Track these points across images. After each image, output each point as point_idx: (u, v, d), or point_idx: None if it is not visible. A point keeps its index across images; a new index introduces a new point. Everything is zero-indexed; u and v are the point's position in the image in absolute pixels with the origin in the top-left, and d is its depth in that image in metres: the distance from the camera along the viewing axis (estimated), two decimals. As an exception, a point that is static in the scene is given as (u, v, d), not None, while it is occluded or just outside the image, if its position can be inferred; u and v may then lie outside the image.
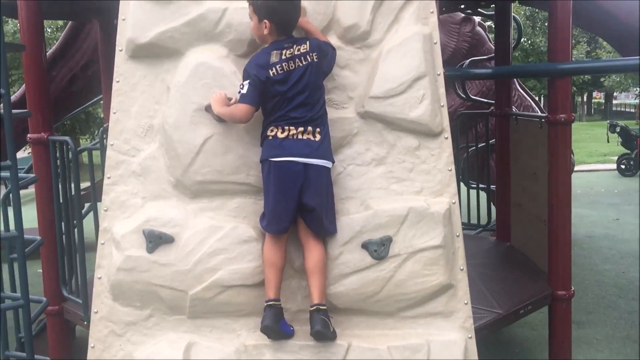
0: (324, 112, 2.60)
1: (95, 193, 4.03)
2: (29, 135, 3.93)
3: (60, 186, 3.88)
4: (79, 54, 6.43)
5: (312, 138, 2.52)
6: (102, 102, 11.59)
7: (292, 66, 2.51)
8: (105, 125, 5.39)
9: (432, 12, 2.79)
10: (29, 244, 3.32)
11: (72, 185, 3.84)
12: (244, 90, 2.51)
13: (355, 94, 2.74)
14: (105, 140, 4.93)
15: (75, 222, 3.97)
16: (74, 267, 3.95)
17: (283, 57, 2.51)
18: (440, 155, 2.74)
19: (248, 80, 2.51)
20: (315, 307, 2.50)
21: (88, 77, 6.56)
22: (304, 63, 2.52)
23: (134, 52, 2.73)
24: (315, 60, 2.55)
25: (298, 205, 2.53)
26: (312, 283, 2.52)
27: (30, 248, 3.26)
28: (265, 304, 2.52)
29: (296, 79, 2.51)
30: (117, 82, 2.75)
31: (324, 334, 2.49)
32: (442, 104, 2.75)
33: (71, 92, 6.57)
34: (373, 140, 2.74)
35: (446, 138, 2.76)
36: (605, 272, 6.58)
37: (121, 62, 2.76)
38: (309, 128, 2.52)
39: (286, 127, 2.50)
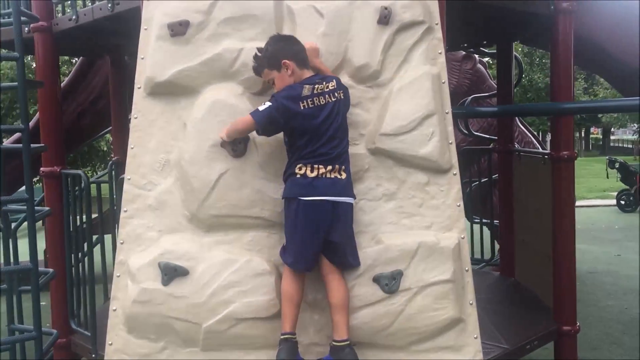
0: (348, 149, 2.67)
1: (104, 225, 4.09)
2: (41, 168, 4.00)
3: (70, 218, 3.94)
4: (88, 89, 6.55)
5: (338, 176, 2.57)
6: (105, 135, 11.72)
7: (322, 101, 2.57)
8: (114, 159, 5.51)
9: (441, 53, 2.89)
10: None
11: (84, 217, 3.90)
12: (261, 108, 2.56)
13: (367, 131, 2.82)
14: (113, 173, 5.05)
15: (85, 254, 4.01)
16: (82, 299, 3.97)
17: (315, 91, 2.57)
18: (449, 191, 2.81)
19: (271, 105, 2.55)
20: (346, 342, 2.53)
21: (96, 111, 6.66)
22: (332, 100, 2.59)
23: (152, 90, 2.82)
24: (342, 97, 2.63)
25: (325, 243, 2.58)
26: (340, 319, 2.54)
27: (44, 280, 3.29)
28: (281, 337, 2.54)
29: (326, 114, 2.56)
30: (136, 118, 2.83)
31: None
32: (450, 141, 2.83)
33: (80, 126, 6.66)
34: (384, 176, 2.81)
35: (455, 174, 2.83)
36: (609, 308, 6.59)
37: (140, 99, 2.84)
38: (336, 166, 2.57)
39: (315, 166, 2.54)
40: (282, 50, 2.62)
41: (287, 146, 2.65)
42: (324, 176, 2.54)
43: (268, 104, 2.56)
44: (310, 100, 2.56)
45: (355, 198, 2.66)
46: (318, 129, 2.55)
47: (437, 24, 2.88)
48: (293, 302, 2.56)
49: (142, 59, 2.86)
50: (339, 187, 2.56)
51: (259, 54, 2.66)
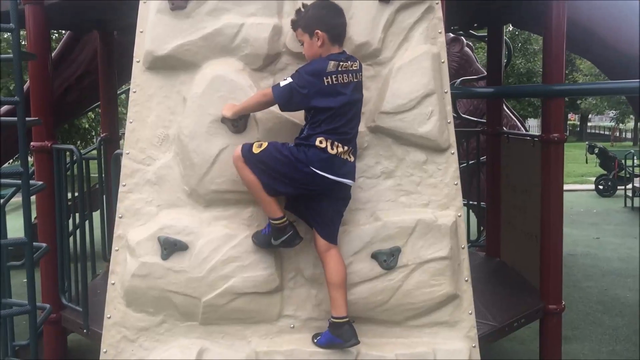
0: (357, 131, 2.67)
1: (92, 202, 4.07)
2: (32, 143, 3.95)
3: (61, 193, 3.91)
4: (74, 65, 6.44)
5: (349, 158, 2.59)
6: (87, 112, 11.55)
7: (345, 79, 2.54)
8: (103, 135, 5.45)
9: (440, 32, 2.91)
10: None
11: (75, 192, 3.87)
12: (282, 83, 2.53)
13: (366, 109, 2.83)
14: (102, 149, 5.01)
15: (75, 229, 3.99)
16: (73, 274, 3.96)
17: (340, 68, 2.54)
18: (447, 170, 2.84)
19: (292, 81, 2.52)
20: (345, 319, 2.57)
21: (83, 88, 6.56)
22: (354, 80, 2.58)
23: (152, 64, 2.79)
24: (360, 80, 2.63)
25: (311, 209, 2.61)
26: (338, 296, 2.57)
27: (38, 254, 3.27)
28: (282, 223, 2.58)
29: (349, 93, 2.54)
30: (134, 92, 2.81)
31: (356, 344, 2.58)
32: (449, 121, 2.87)
33: (65, 102, 6.54)
34: (383, 154, 2.83)
35: (452, 153, 2.87)
36: (589, 289, 6.74)
37: (138, 74, 2.82)
38: (350, 148, 2.58)
39: (336, 143, 2.52)
40: (320, 18, 2.58)
41: (307, 115, 2.60)
42: (340, 156, 2.54)
43: (289, 79, 2.53)
44: (335, 77, 2.52)
45: (354, 181, 2.67)
46: (341, 107, 2.53)
47: (437, 3, 2.89)
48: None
49: (141, 32, 2.83)
50: (348, 168, 2.58)
51: (302, 10, 2.62)
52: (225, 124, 2.71)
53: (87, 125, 15.58)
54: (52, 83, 6.40)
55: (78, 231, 4.21)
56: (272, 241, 2.59)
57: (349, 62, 2.59)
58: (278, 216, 2.57)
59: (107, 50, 5.34)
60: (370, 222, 2.76)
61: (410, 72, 2.81)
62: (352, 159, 2.60)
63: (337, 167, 2.54)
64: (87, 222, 4.24)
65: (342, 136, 2.54)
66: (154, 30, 2.78)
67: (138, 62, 2.83)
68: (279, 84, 2.56)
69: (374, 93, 2.85)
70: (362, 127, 2.83)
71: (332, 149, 2.52)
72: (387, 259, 2.69)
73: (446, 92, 2.88)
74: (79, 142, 16.57)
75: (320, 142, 2.52)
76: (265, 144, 2.57)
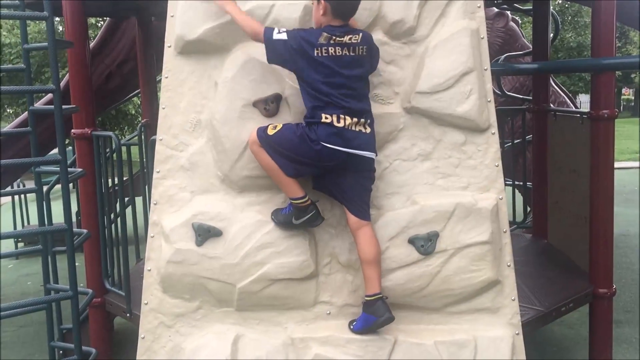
0: (370, 105, 2.60)
1: (133, 187, 4.11)
2: (73, 130, 4.00)
3: (102, 180, 3.96)
4: (115, 52, 6.51)
5: (363, 130, 2.52)
6: (134, 99, 11.75)
7: (338, 52, 2.48)
8: (143, 121, 5.51)
9: (479, 7, 2.78)
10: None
11: (115, 179, 3.91)
12: (275, 35, 2.48)
13: (401, 90, 2.75)
14: (143, 135, 5.06)
15: (117, 215, 4.04)
16: (115, 259, 4.02)
17: (331, 41, 2.48)
18: (487, 151, 2.73)
19: (287, 39, 2.48)
20: (378, 296, 2.53)
21: (124, 74, 6.64)
22: (351, 54, 2.50)
23: (183, 49, 2.76)
24: (364, 53, 2.54)
25: (334, 184, 2.58)
26: (371, 273, 2.53)
27: (79, 240, 3.33)
28: (304, 202, 2.55)
29: (340, 67, 2.47)
30: (166, 77, 2.79)
31: (391, 320, 2.53)
32: (489, 100, 2.74)
33: (107, 89, 6.65)
34: (419, 135, 2.74)
35: (493, 134, 2.75)
36: (642, 271, 6.48)
37: (170, 59, 2.80)
38: (362, 120, 2.51)
39: (342, 116, 2.47)
40: None
41: (303, 92, 2.55)
42: (350, 128, 2.48)
43: (284, 35, 2.48)
44: (325, 49, 2.47)
45: (377, 154, 2.60)
46: (332, 81, 2.47)
47: (476, -24, 2.76)
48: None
49: (172, 17, 2.80)
50: (363, 139, 2.51)
51: None
52: (257, 108, 2.67)
53: (133, 111, 15.89)
54: (93, 70, 6.56)
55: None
56: (293, 220, 2.56)
57: (345, 35, 2.50)
58: (299, 195, 2.53)
59: (145, 36, 5.37)
60: (407, 206, 2.68)
61: (447, 50, 2.70)
62: (368, 130, 2.53)
63: (349, 139, 2.47)
64: (130, 208, 4.29)
65: (345, 109, 2.47)
66: (184, 15, 2.75)
67: (169, 47, 2.81)
68: (272, 31, 2.50)
69: (409, 72, 2.75)
70: (397, 108, 2.75)
71: (339, 122, 2.47)
72: (425, 244, 2.61)
73: (486, 70, 2.75)
74: (126, 128, 16.95)
75: (326, 117, 2.47)
76: (279, 126, 2.55)
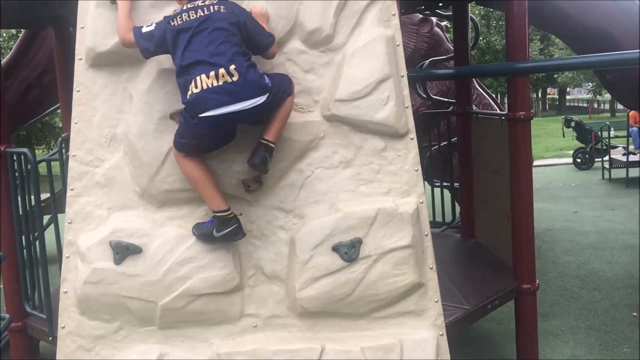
0: (242, 54, 2.42)
1: (56, 205, 3.94)
2: (-17, 148, 3.81)
3: (19, 199, 3.78)
4: (34, 63, 6.27)
5: (229, 80, 2.33)
6: (59, 111, 11.35)
7: (192, 16, 2.42)
8: (64, 135, 5.29)
9: (394, 15, 2.81)
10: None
11: (32, 197, 3.74)
12: (144, 29, 2.46)
13: (321, 98, 2.75)
14: (64, 151, 4.86)
15: (36, 235, 3.86)
16: (36, 281, 3.85)
17: (184, 7, 2.46)
18: (407, 156, 2.77)
19: (154, 29, 2.45)
20: (265, 142, 2.48)
21: (44, 86, 6.40)
22: (205, 13, 2.44)
23: (94, 61, 2.68)
24: (221, 11, 2.45)
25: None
26: (273, 124, 2.49)
27: (-9, 264, 3.16)
28: (227, 216, 2.49)
29: (196, 25, 2.39)
30: (78, 91, 2.70)
31: (259, 167, 2.49)
32: (406, 105, 2.78)
33: (26, 102, 6.39)
34: (340, 143, 2.74)
35: (412, 139, 2.79)
36: (567, 264, 6.75)
37: (81, 71, 2.70)
38: (220, 70, 2.32)
39: (198, 79, 2.32)
40: None
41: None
42: (211, 86, 2.31)
43: (152, 26, 2.46)
44: (179, 17, 2.43)
45: (261, 96, 2.38)
46: (190, 41, 2.38)
47: (389, -16, 2.80)
48: (209, 180, 2.50)
49: (82, 28, 2.71)
50: (232, 88, 2.32)
51: None
52: (174, 120, 2.61)
53: (60, 125, 15.33)
54: (10, 83, 6.28)
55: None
56: (214, 233, 2.51)
57: (198, 1, 2.47)
58: (223, 208, 2.49)
59: (64, 46, 5.18)
60: (330, 213, 2.68)
61: (364, 57, 2.72)
62: (236, 75, 2.32)
63: (216, 99, 2.31)
64: (53, 226, 4.11)
65: (203, 66, 2.33)
66: (94, 25, 2.67)
67: (80, 59, 2.72)
68: (141, 27, 2.48)
69: (328, 80, 2.75)
70: (317, 117, 2.75)
71: (197, 87, 2.32)
72: (349, 251, 2.62)
73: (403, 76, 2.79)
74: (52, 142, 16.34)
75: (190, 89, 2.34)
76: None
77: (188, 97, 2.35)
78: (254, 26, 2.54)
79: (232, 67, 2.34)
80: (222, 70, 2.33)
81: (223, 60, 2.35)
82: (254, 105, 2.35)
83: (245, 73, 2.35)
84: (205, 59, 2.35)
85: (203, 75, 2.32)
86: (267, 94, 2.40)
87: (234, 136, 2.54)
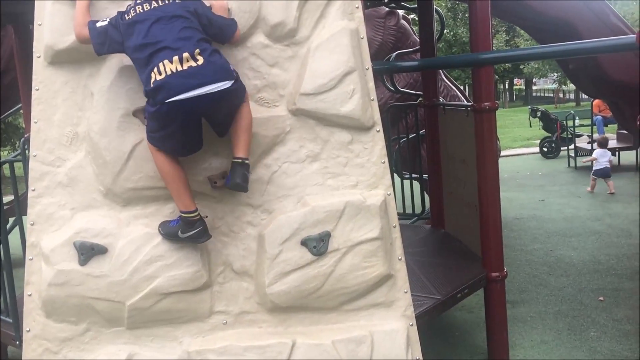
0: (200, 39, 2.39)
1: (20, 207, 3.86)
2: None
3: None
4: (-7, 62, 6.13)
5: (193, 64, 2.29)
6: (22, 111, 11.10)
7: (146, 7, 2.40)
8: (26, 136, 5.18)
9: (358, 7, 2.82)
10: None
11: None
12: (99, 24, 2.44)
13: (286, 92, 2.74)
14: (27, 151, 4.76)
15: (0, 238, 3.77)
16: (1, 285, 3.76)
17: (138, 0, 2.44)
18: (373, 149, 2.78)
19: (107, 24, 2.43)
20: (240, 160, 2.46)
21: (4, 86, 6.25)
22: (160, 4, 2.42)
23: (53, 58, 2.62)
24: (177, 1, 2.44)
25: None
26: (240, 140, 2.47)
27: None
28: (192, 217, 2.46)
29: (153, 14, 2.38)
30: (37, 90, 2.64)
31: (242, 187, 2.47)
32: (372, 98, 2.79)
33: (-13, 102, 6.24)
34: (306, 137, 2.74)
35: (378, 131, 2.80)
36: (535, 251, 6.87)
37: (40, 69, 2.65)
38: (183, 55, 2.29)
39: (161, 65, 2.28)
40: None
41: (136, 68, 2.44)
42: (175, 70, 2.27)
43: (106, 22, 2.44)
44: (133, 10, 2.42)
45: (233, 80, 2.37)
46: (149, 30, 2.34)
47: (351, -23, 2.80)
48: (181, 178, 2.47)
49: (40, 25, 2.66)
50: (198, 71, 2.28)
51: None
52: (137, 117, 2.58)
53: (24, 125, 15.01)
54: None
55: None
56: (179, 234, 2.48)
57: None
58: (190, 209, 2.46)
59: (24, 45, 5.05)
60: (298, 208, 2.68)
61: (328, 50, 2.72)
62: (201, 60, 2.30)
63: (181, 83, 2.26)
64: (18, 228, 4.03)
65: (165, 52, 2.30)
66: (52, 22, 2.61)
67: (39, 57, 2.67)
68: (96, 22, 2.45)
69: (293, 74, 2.75)
70: (283, 111, 2.74)
71: (160, 73, 2.28)
72: (317, 245, 2.62)
73: (367, 69, 2.80)
74: (17, 143, 15.98)
75: (154, 76, 2.30)
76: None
77: (152, 84, 2.30)
78: (214, 15, 2.54)
79: (197, 50, 2.32)
80: (186, 55, 2.30)
81: (187, 44, 2.33)
82: (220, 88, 2.30)
83: (210, 57, 2.34)
84: (168, 45, 2.32)
85: (166, 61, 2.29)
86: (233, 81, 2.37)
87: (201, 137, 2.51)
